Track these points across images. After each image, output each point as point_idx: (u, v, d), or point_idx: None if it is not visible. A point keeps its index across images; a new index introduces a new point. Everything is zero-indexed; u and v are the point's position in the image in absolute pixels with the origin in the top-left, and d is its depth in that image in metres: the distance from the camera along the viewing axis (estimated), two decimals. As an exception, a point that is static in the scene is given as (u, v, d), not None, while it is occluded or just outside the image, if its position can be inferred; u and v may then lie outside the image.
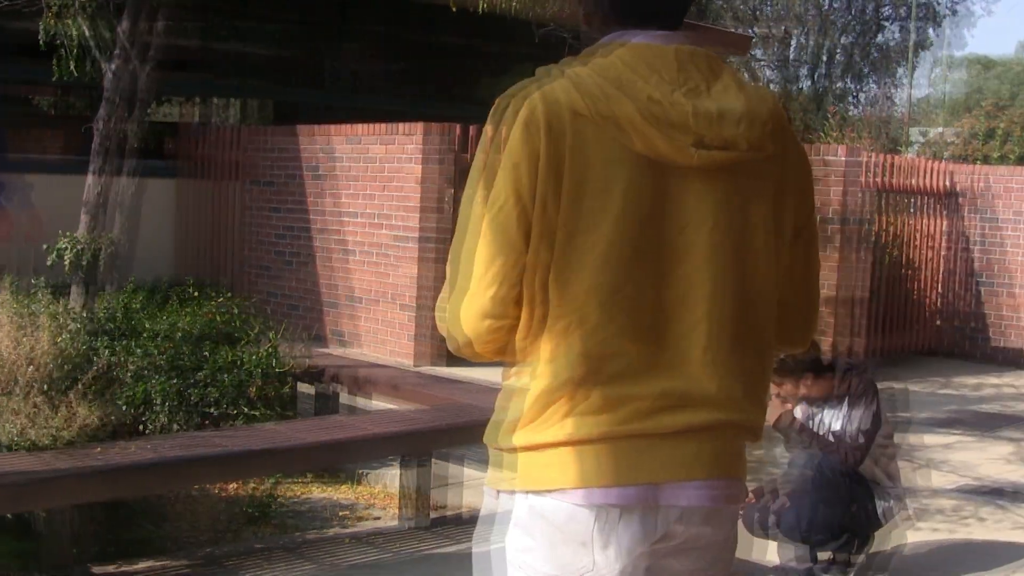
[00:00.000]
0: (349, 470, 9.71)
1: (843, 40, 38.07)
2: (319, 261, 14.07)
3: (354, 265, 13.58)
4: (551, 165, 2.64)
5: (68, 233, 11.21)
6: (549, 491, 2.71)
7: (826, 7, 37.37)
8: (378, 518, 8.82)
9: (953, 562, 7.48)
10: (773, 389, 6.93)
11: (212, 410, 9.54)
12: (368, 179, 13.35)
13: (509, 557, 2.81)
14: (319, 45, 18.89)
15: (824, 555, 7.03)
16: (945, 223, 16.23)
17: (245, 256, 15.09)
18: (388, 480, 9.36)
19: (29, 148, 15.49)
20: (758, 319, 2.83)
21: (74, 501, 7.02)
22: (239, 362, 9.86)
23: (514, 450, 2.75)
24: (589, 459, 2.68)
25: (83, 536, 7.39)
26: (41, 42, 11.56)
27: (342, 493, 9.45)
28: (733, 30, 27.67)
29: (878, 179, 14.70)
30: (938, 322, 16.45)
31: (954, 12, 39.85)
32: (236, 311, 11.14)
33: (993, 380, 14.60)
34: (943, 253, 16.26)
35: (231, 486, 9.27)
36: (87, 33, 11.34)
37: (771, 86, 35.47)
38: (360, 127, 13.57)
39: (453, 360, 11.56)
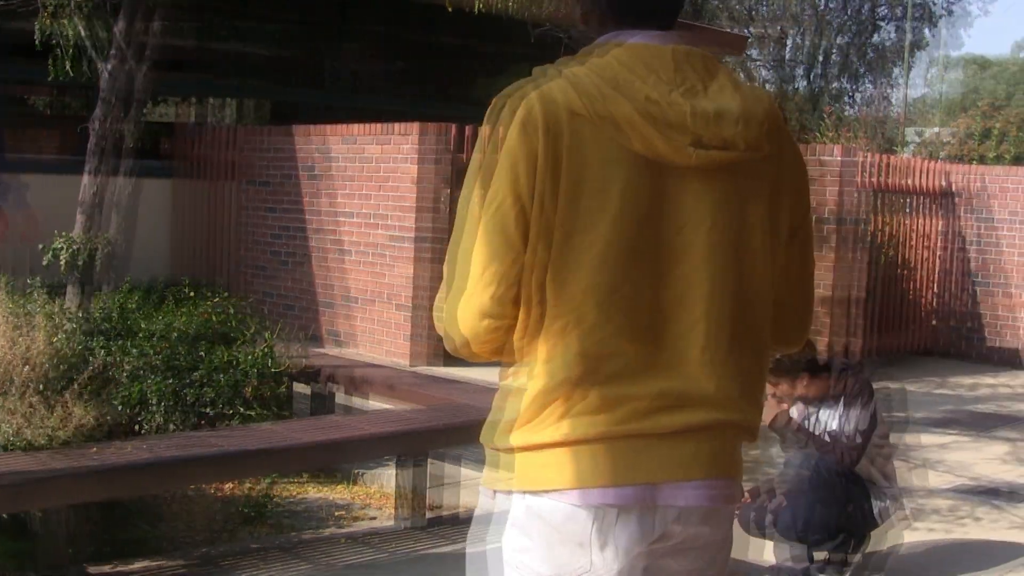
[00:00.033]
0: (345, 470, 9.70)
1: (839, 40, 38.09)
2: (315, 261, 14.07)
3: (350, 265, 13.58)
4: (549, 165, 2.64)
5: (64, 233, 11.20)
6: (547, 491, 2.71)
7: (822, 7, 37.40)
8: (374, 518, 8.82)
9: (949, 562, 7.48)
10: (769, 389, 6.94)
11: (208, 410, 9.52)
12: (364, 179, 13.36)
13: (506, 557, 2.81)
14: (315, 45, 18.89)
15: (820, 555, 7.04)
16: (941, 223, 16.24)
17: (241, 256, 15.09)
18: (384, 480, 9.35)
19: (25, 148, 15.49)
20: (755, 319, 2.83)
21: (70, 501, 7.01)
22: (235, 362, 9.85)
23: (511, 450, 2.75)
24: (587, 459, 2.68)
25: (79, 536, 7.38)
26: (37, 42, 11.55)
27: (338, 493, 9.44)
28: (729, 30, 27.71)
29: (874, 179, 14.71)
30: (934, 322, 16.47)
31: (950, 12, 39.91)
32: (232, 311, 11.12)
33: (989, 380, 14.62)
34: (939, 253, 16.28)
35: (227, 486, 9.26)
36: (83, 33, 11.33)
37: (767, 86, 35.49)
38: (356, 127, 13.57)
39: (449, 360, 11.56)
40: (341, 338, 13.62)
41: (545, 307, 2.67)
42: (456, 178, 12.62)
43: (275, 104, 20.17)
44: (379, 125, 13.27)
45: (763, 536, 7.05)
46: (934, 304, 16.44)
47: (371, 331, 13.26)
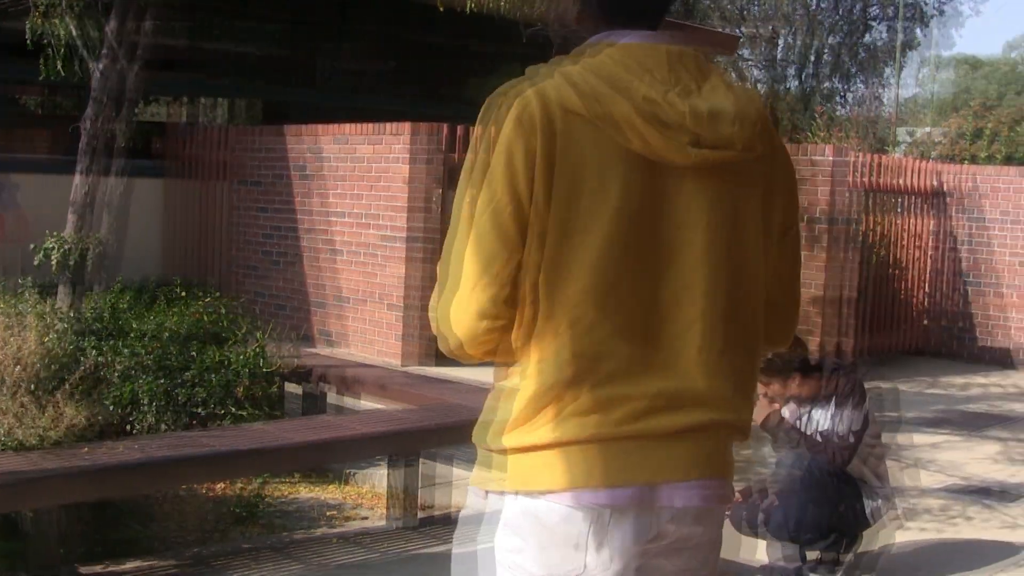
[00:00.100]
0: (337, 470, 9.70)
1: (831, 40, 38.09)
2: (307, 261, 14.06)
3: (342, 265, 13.57)
4: (547, 163, 2.63)
5: (55, 233, 11.19)
6: (542, 493, 2.70)
7: (813, 7, 37.39)
8: (366, 518, 8.82)
9: (940, 562, 7.49)
10: (761, 389, 6.94)
11: (199, 410, 9.52)
12: (356, 179, 13.35)
13: (498, 557, 2.81)
14: (306, 45, 18.88)
15: (812, 554, 7.04)
16: (932, 223, 16.26)
17: (232, 256, 15.07)
18: (376, 480, 9.35)
19: (16, 148, 15.46)
20: (748, 318, 2.84)
21: (61, 501, 7.01)
22: (226, 362, 9.85)
23: (505, 451, 2.74)
24: (582, 461, 2.67)
25: (70, 536, 7.38)
26: (28, 41, 11.54)
27: (330, 493, 9.44)
28: (720, 30, 27.69)
29: (865, 179, 14.72)
30: (925, 322, 16.48)
31: (942, 12, 39.90)
32: (224, 311, 11.13)
33: (980, 380, 14.63)
34: (930, 253, 16.29)
35: (219, 486, 9.26)
36: (74, 32, 11.32)
37: (759, 86, 35.48)
38: (348, 127, 13.56)
39: (441, 360, 11.56)
40: (333, 338, 13.61)
41: (539, 307, 2.67)
42: (448, 178, 12.63)
43: (266, 104, 20.16)
44: (371, 125, 13.26)
45: (755, 535, 7.06)
46: (925, 304, 16.46)
47: (363, 331, 13.25)
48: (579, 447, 2.67)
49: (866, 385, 7.05)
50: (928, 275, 16.38)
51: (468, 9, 12.32)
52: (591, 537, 2.69)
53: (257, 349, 10.22)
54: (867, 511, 6.95)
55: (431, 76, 19.63)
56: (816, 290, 13.19)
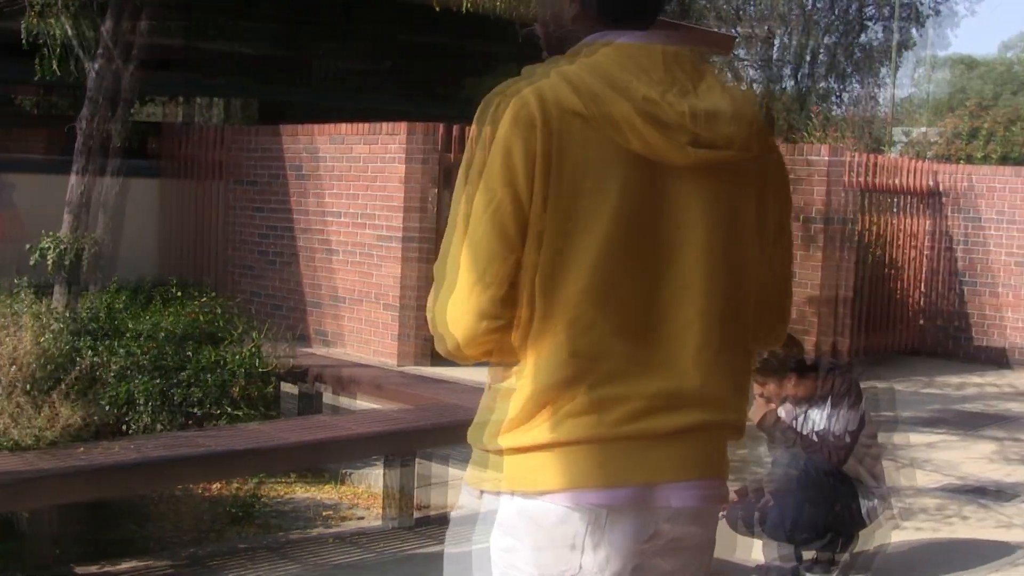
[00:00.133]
0: (333, 470, 9.69)
1: (826, 40, 38.13)
2: (302, 261, 14.06)
3: (338, 265, 13.57)
4: (546, 163, 2.62)
5: (51, 233, 11.19)
6: (540, 493, 2.69)
7: (809, 7, 37.43)
8: (362, 518, 8.81)
9: (936, 561, 7.49)
10: (756, 389, 6.95)
11: (195, 410, 9.51)
12: (352, 179, 13.35)
13: (493, 558, 2.81)
14: (302, 45, 18.88)
15: (809, 554, 7.05)
16: (928, 223, 16.27)
17: (228, 256, 15.08)
18: (372, 480, 9.35)
19: (12, 148, 15.48)
20: (744, 316, 2.84)
21: (57, 501, 7.00)
22: (222, 362, 9.84)
23: (501, 452, 2.73)
24: (580, 461, 2.67)
25: (66, 536, 7.37)
26: (24, 41, 11.54)
27: (326, 493, 9.43)
28: (716, 30, 27.72)
29: (861, 179, 14.73)
30: (921, 321, 16.50)
31: (937, 12, 39.95)
32: (219, 311, 11.11)
33: (976, 379, 14.64)
34: (926, 253, 16.30)
35: (214, 486, 9.26)
36: (70, 32, 11.32)
37: (755, 86, 35.53)
38: (343, 127, 13.57)
39: (437, 360, 11.56)
40: (329, 338, 13.61)
41: (539, 307, 2.66)
42: (444, 178, 12.64)
43: (262, 104, 20.17)
44: (367, 125, 13.26)
45: (751, 535, 7.06)
46: (921, 304, 16.47)
47: (359, 331, 13.25)
48: (576, 447, 2.67)
49: (862, 385, 7.05)
50: (924, 275, 16.39)
51: (464, 9, 12.33)
52: (588, 537, 2.68)
53: (253, 349, 10.21)
54: (863, 511, 6.96)
55: (427, 76, 19.64)
56: (812, 290, 13.19)
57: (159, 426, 9.23)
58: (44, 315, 9.32)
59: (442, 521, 8.47)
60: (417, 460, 8.61)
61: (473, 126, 2.71)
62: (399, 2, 16.02)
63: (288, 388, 10.64)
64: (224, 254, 15.14)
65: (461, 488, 2.99)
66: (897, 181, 15.60)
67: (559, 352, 2.66)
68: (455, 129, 12.64)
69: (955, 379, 14.56)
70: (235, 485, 9.26)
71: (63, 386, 8.33)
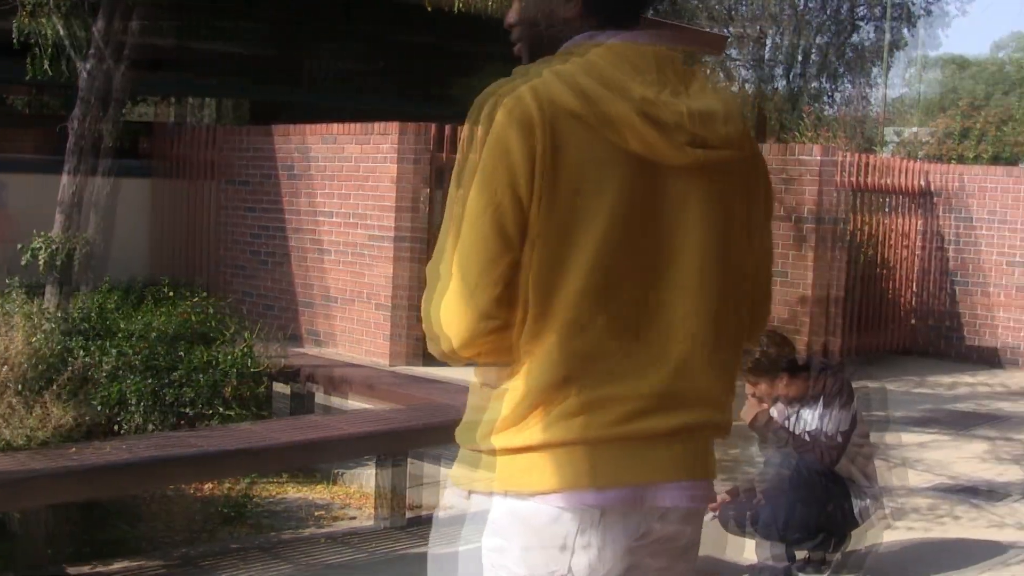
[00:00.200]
0: (325, 470, 9.70)
1: (818, 40, 38.20)
2: (294, 261, 14.05)
3: (329, 265, 13.56)
4: (546, 163, 2.60)
5: (43, 233, 11.18)
6: (532, 494, 2.69)
7: (801, 7, 37.48)
8: (354, 518, 8.82)
9: (928, 561, 7.49)
10: (748, 389, 6.96)
11: (187, 410, 9.52)
12: (343, 179, 13.34)
13: (484, 558, 2.80)
14: (294, 44, 18.87)
15: (801, 554, 7.05)
16: (920, 222, 16.28)
17: (220, 256, 15.06)
18: (364, 480, 9.35)
19: (3, 147, 15.42)
20: (737, 315, 2.85)
21: (49, 501, 7.00)
22: (214, 362, 9.84)
23: (494, 452, 2.73)
24: (573, 462, 2.66)
25: (58, 536, 7.37)
26: (15, 41, 11.52)
27: (318, 493, 9.44)
28: (708, 29, 27.73)
29: (853, 178, 14.73)
30: (913, 321, 16.50)
31: (929, 12, 40.03)
32: (211, 311, 11.12)
33: (967, 379, 14.65)
34: (918, 252, 16.31)
35: (206, 486, 9.26)
36: (61, 32, 11.31)
37: (746, 86, 35.56)
38: (335, 126, 13.56)
39: (429, 360, 11.56)
40: (321, 338, 13.60)
41: (534, 307, 2.65)
42: (436, 177, 12.63)
43: (254, 103, 20.16)
44: (359, 125, 13.26)
45: (743, 535, 7.07)
46: (913, 303, 16.47)
47: (351, 331, 13.25)
48: (569, 448, 2.66)
49: (854, 384, 7.05)
50: (916, 274, 16.39)
51: (456, 9, 12.32)
52: (578, 538, 2.68)
53: (245, 349, 10.22)
54: (855, 510, 6.96)
55: (418, 76, 19.64)
56: (804, 290, 13.19)
57: (151, 426, 9.24)
58: (36, 315, 9.33)
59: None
60: (409, 460, 8.62)
61: (466, 126, 2.70)
62: (390, 2, 16.02)
63: (280, 388, 10.65)
64: (216, 254, 15.12)
65: (447, 489, 2.97)
66: (889, 181, 15.61)
67: (553, 352, 2.65)
68: (447, 129, 12.64)
69: (947, 379, 14.57)
70: (227, 485, 9.26)
71: (55, 386, 8.33)
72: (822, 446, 6.82)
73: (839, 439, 6.82)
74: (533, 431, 2.67)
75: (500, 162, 2.61)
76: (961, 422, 11.92)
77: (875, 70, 39.93)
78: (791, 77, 37.81)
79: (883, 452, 9.24)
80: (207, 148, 15.26)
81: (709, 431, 2.82)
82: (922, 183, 16.14)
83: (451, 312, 2.67)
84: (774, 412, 6.99)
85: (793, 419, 6.97)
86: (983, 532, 8.16)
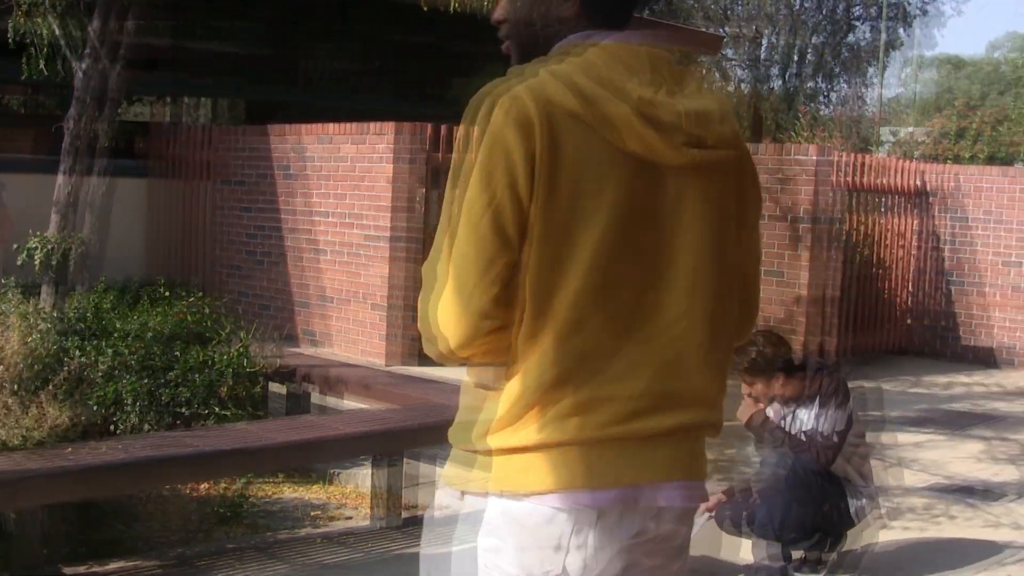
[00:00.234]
0: (321, 470, 9.69)
1: (814, 40, 38.23)
2: (290, 261, 14.05)
3: (325, 265, 13.56)
4: (545, 163, 2.60)
5: (38, 233, 11.18)
6: (527, 495, 2.69)
7: (797, 7, 37.52)
8: (350, 518, 8.81)
9: (923, 560, 7.50)
10: (745, 389, 6.96)
11: (183, 410, 9.51)
12: (339, 179, 13.34)
13: (479, 558, 2.80)
14: (290, 44, 18.85)
15: (797, 554, 7.05)
16: (916, 222, 16.28)
17: (216, 256, 15.06)
18: (360, 480, 9.35)
19: (-1, 147, 15.44)
20: (731, 315, 2.86)
21: (45, 501, 6.99)
22: (210, 362, 9.84)
23: (490, 452, 2.72)
24: (568, 463, 2.66)
25: (54, 536, 7.36)
26: (11, 41, 11.52)
27: (314, 493, 9.43)
28: (704, 29, 27.75)
29: (849, 178, 14.74)
30: (909, 321, 16.51)
31: (924, 12, 40.05)
32: (207, 311, 11.12)
33: (963, 379, 14.66)
34: (914, 252, 16.31)
35: (202, 486, 9.25)
36: (57, 32, 11.31)
37: (742, 86, 35.59)
38: (331, 126, 13.55)
39: (424, 360, 11.50)
40: (316, 338, 13.60)
41: (531, 307, 2.65)
42: (432, 177, 12.63)
43: (250, 103, 20.14)
44: (354, 124, 13.25)
45: (739, 535, 7.07)
46: (909, 303, 16.48)
47: (346, 331, 13.24)
48: (564, 449, 2.66)
49: (849, 384, 7.06)
50: (911, 274, 16.40)
51: (452, 9, 12.32)
52: (573, 538, 2.68)
53: (241, 349, 10.22)
54: (851, 510, 6.96)
55: (415, 76, 19.63)
56: (799, 289, 13.20)
57: (147, 426, 9.24)
58: (32, 315, 9.32)
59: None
60: (405, 460, 8.61)
61: (462, 127, 2.69)
62: (386, 2, 16.01)
63: (276, 388, 10.64)
64: (212, 254, 15.12)
65: (442, 490, 2.95)
66: (885, 181, 15.61)
67: (550, 352, 2.65)
68: (443, 129, 12.63)
69: (942, 378, 14.57)
70: (223, 485, 9.25)
71: (51, 386, 8.32)
72: (818, 446, 6.82)
73: (835, 439, 6.82)
74: (529, 431, 2.67)
75: (499, 162, 2.61)
76: (957, 422, 11.92)
77: (871, 70, 39.99)
78: (787, 77, 37.85)
79: (879, 452, 9.24)
80: (203, 148, 15.25)
81: (704, 431, 2.82)
82: (918, 183, 16.15)
83: (450, 312, 2.66)
84: (770, 412, 7.00)
85: (789, 419, 6.97)
86: (979, 532, 8.16)
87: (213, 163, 15.09)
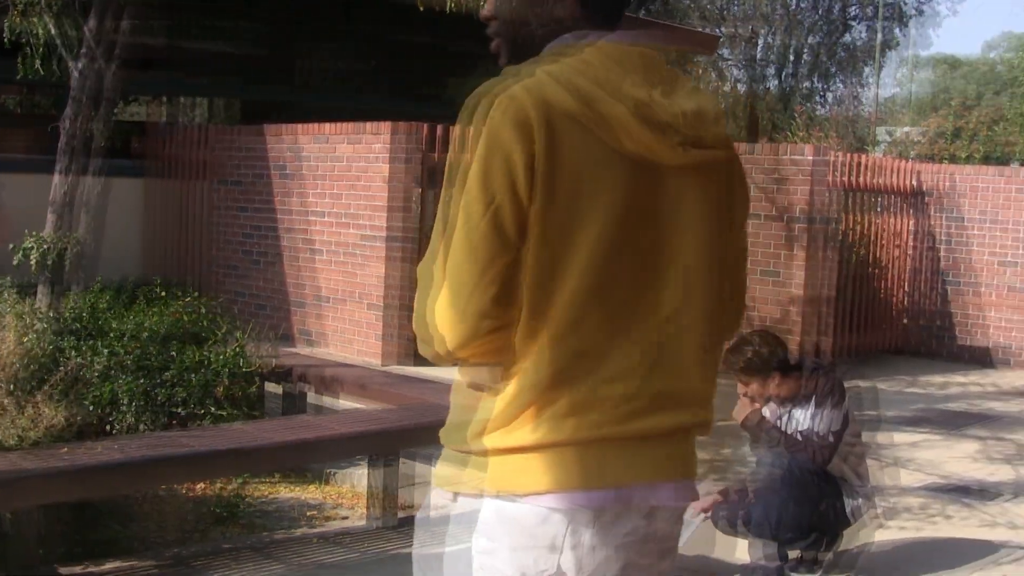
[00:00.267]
0: (317, 470, 9.69)
1: (810, 40, 38.25)
2: (286, 260, 14.04)
3: (321, 264, 13.56)
4: (544, 163, 2.59)
5: (34, 233, 11.17)
6: (523, 495, 2.68)
7: (793, 7, 37.54)
8: (346, 518, 8.81)
9: (919, 560, 7.50)
10: (740, 389, 6.97)
11: (179, 410, 9.51)
12: (335, 178, 13.34)
13: (474, 560, 2.80)
14: (286, 44, 18.85)
15: (793, 553, 7.05)
16: (912, 222, 16.29)
17: (212, 255, 15.05)
18: (355, 480, 9.35)
19: (-5, 147, 15.42)
20: (722, 313, 2.87)
21: (41, 501, 6.99)
22: (206, 362, 9.84)
23: (485, 452, 2.72)
24: (566, 463, 2.66)
25: (50, 536, 7.36)
26: (6, 40, 11.51)
27: (310, 493, 9.43)
28: (700, 29, 27.75)
29: (845, 178, 14.74)
30: (905, 321, 16.51)
31: (920, 12, 40.08)
32: (203, 311, 11.12)
33: (959, 378, 14.66)
34: (910, 252, 16.32)
35: (198, 486, 9.25)
36: (53, 31, 11.30)
37: (739, 85, 35.60)
38: (327, 126, 13.55)
39: (420, 359, 11.44)
40: (312, 338, 13.59)
41: (529, 306, 2.65)
42: (427, 177, 12.62)
43: (246, 103, 20.12)
44: (351, 124, 13.24)
45: (735, 535, 7.07)
46: (905, 303, 16.49)
47: (342, 331, 13.24)
48: (561, 449, 2.66)
49: (845, 384, 7.06)
50: (907, 274, 16.41)
51: (448, 9, 12.31)
52: (568, 538, 2.68)
53: (237, 349, 10.21)
54: (847, 510, 6.97)
55: (411, 75, 19.62)
56: (796, 289, 13.20)
57: (142, 426, 9.23)
58: (27, 315, 9.31)
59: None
60: (401, 460, 8.61)
61: (459, 126, 2.68)
62: (383, 1, 16.00)
63: (272, 388, 10.64)
64: (208, 254, 15.11)
65: (433, 491, 2.95)
66: (881, 181, 15.62)
67: (548, 352, 2.65)
68: (439, 129, 12.63)
69: (938, 378, 14.58)
70: (219, 485, 9.25)
71: (46, 386, 8.31)
72: (814, 445, 6.82)
73: (831, 439, 6.83)
74: (526, 431, 2.67)
75: (498, 163, 2.60)
76: (953, 422, 11.92)
77: (867, 70, 40.01)
78: (783, 77, 37.86)
79: (875, 451, 9.25)
80: (199, 148, 15.24)
81: (696, 430, 2.83)
82: (914, 183, 16.16)
83: (448, 312, 2.65)
84: (766, 412, 7.00)
85: (785, 419, 6.98)
86: (974, 531, 8.16)
87: (209, 163, 15.08)
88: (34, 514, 7.04)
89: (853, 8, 38.87)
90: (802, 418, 6.91)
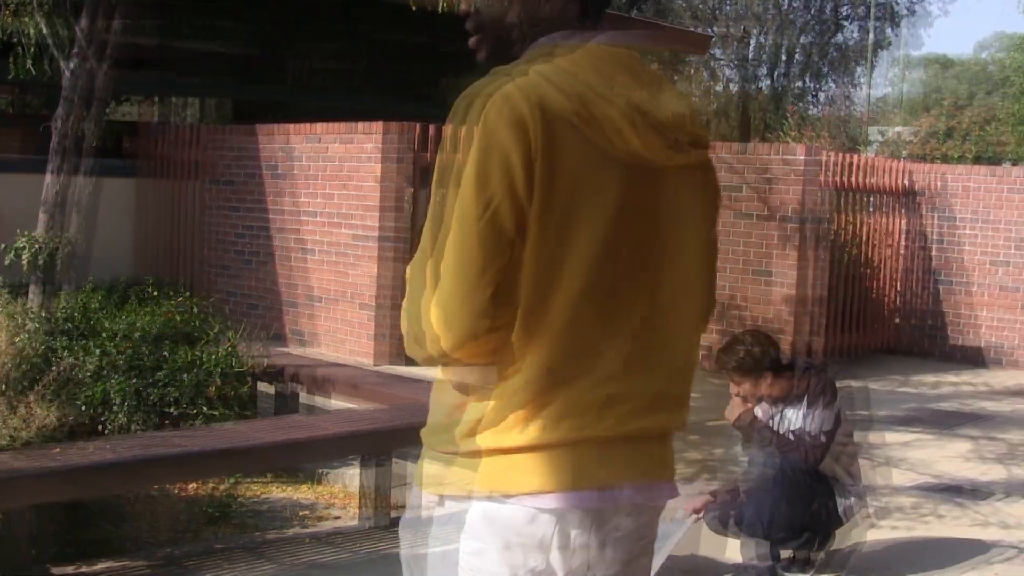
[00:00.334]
0: (309, 470, 9.68)
1: (802, 39, 38.26)
2: (278, 260, 14.04)
3: (313, 264, 13.55)
4: (541, 163, 2.59)
5: (26, 232, 11.15)
6: (515, 495, 2.68)
7: (785, 6, 37.54)
8: (338, 518, 8.81)
9: (911, 559, 7.50)
10: (732, 388, 6.98)
11: (171, 410, 9.50)
12: (327, 178, 13.33)
13: (461, 561, 2.79)
14: (278, 44, 18.84)
15: (785, 553, 7.06)
16: (904, 222, 16.30)
17: (204, 255, 15.04)
18: (348, 479, 9.34)
19: (-13, 147, 15.41)
20: (706, 312, 2.89)
21: (32, 502, 6.98)
22: (198, 362, 9.82)
23: (476, 453, 2.71)
24: (561, 464, 2.67)
25: (42, 537, 7.35)
26: (-2, 40, 11.51)
27: (302, 493, 9.42)
28: (692, 29, 27.76)
29: (837, 178, 14.76)
30: (897, 320, 16.53)
31: (912, 12, 40.10)
32: (195, 310, 11.10)
33: (951, 378, 14.67)
34: (902, 252, 16.33)
35: (190, 486, 9.24)
36: (45, 31, 11.28)
37: (730, 85, 35.63)
38: (319, 126, 13.54)
39: (412, 359, 11.53)
40: (305, 337, 13.59)
41: (526, 307, 2.64)
42: (420, 177, 12.62)
43: (238, 103, 20.11)
44: (342, 124, 13.24)
45: (727, 534, 7.08)
46: (897, 303, 16.50)
47: (335, 330, 13.24)
48: (555, 450, 2.66)
49: (837, 384, 7.07)
50: (899, 274, 16.42)
51: (440, 9, 12.31)
52: (557, 537, 2.68)
53: (229, 349, 10.20)
54: (839, 509, 6.97)
55: (403, 75, 19.61)
56: (788, 289, 13.22)
57: (134, 426, 9.21)
58: (19, 315, 9.29)
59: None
60: (393, 460, 8.60)
61: (450, 126, 2.67)
62: (374, 1, 15.99)
63: (264, 388, 10.63)
64: (200, 254, 15.10)
65: (414, 491, 2.94)
66: (873, 180, 15.63)
67: (544, 353, 2.65)
68: (431, 128, 12.62)
69: (930, 378, 14.59)
70: (211, 485, 9.24)
71: (38, 386, 8.30)
72: (806, 445, 6.83)
73: (823, 438, 6.83)
74: (520, 432, 2.67)
75: (496, 163, 2.59)
76: (945, 421, 11.94)
77: (859, 70, 40.06)
78: (775, 77, 37.88)
79: (867, 451, 9.26)
80: (191, 147, 15.24)
81: (676, 430, 2.85)
82: (906, 183, 16.17)
83: (445, 312, 2.64)
84: (758, 411, 7.01)
85: (777, 418, 6.98)
86: (966, 531, 8.17)
87: (201, 163, 15.08)
88: (26, 514, 7.03)
89: (845, 8, 38.89)
90: (794, 418, 6.92)
